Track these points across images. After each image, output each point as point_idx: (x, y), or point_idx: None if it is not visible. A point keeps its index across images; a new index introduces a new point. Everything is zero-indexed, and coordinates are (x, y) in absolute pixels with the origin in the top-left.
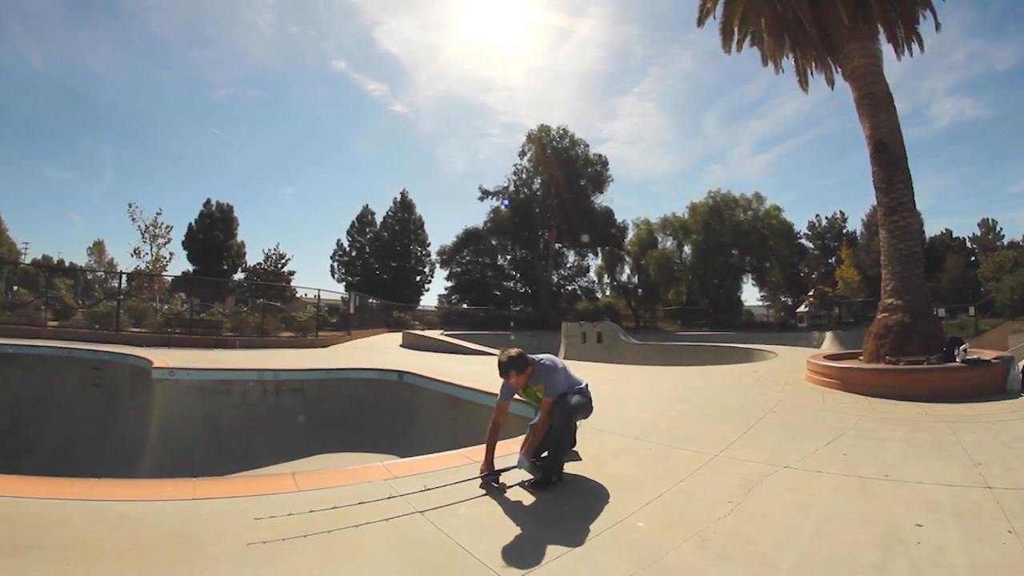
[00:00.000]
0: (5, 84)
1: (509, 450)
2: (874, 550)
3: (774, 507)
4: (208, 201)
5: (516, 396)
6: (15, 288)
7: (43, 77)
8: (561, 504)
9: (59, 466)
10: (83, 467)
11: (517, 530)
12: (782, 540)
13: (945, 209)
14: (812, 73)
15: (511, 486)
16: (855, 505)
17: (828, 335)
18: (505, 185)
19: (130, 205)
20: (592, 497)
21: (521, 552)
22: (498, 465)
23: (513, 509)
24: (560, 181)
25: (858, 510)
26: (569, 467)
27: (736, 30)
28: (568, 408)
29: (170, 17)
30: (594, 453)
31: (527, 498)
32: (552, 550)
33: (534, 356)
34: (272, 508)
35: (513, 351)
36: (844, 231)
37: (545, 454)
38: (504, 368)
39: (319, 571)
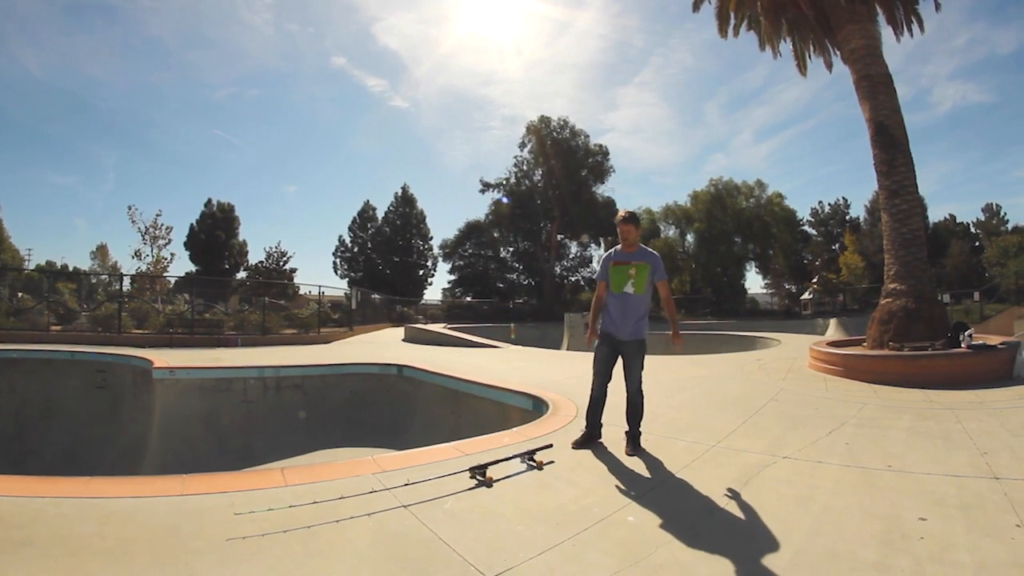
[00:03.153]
0: (4, 91)
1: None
2: (875, 546)
3: (771, 500)
4: (209, 201)
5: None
6: (19, 294)
7: (42, 83)
8: (550, 498)
9: (65, 468)
10: (88, 469)
11: (502, 525)
12: (778, 536)
13: (949, 195)
14: (810, 56)
15: (548, 463)
16: (856, 498)
17: (832, 322)
18: (506, 177)
19: (130, 207)
20: (582, 490)
21: (504, 548)
22: (532, 445)
23: (500, 503)
24: (561, 172)
25: (859, 503)
26: (563, 458)
27: (732, 14)
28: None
29: (168, 20)
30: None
31: (514, 492)
32: (536, 546)
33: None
34: (258, 503)
35: None
36: (847, 217)
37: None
38: (623, 219)
39: (299, 566)
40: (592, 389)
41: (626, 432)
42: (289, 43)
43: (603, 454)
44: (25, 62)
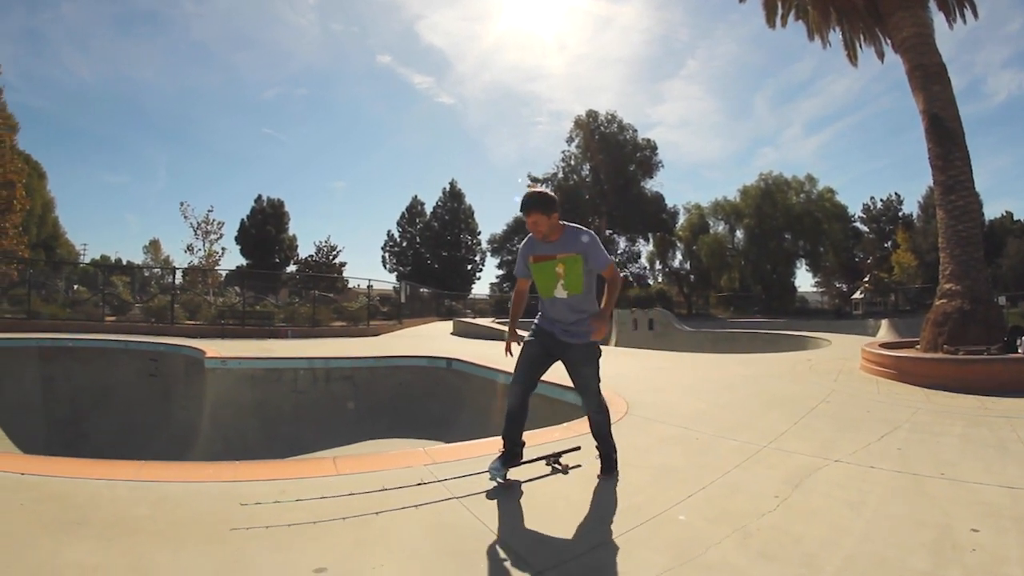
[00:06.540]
0: (60, 98)
1: (562, 435)
2: (926, 555)
3: (822, 504)
4: (259, 197)
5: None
6: (75, 287)
7: (94, 89)
8: (600, 494)
9: (115, 453)
10: (139, 454)
11: (553, 519)
12: (829, 540)
13: (1005, 190)
14: (861, 46)
15: (574, 467)
16: (908, 505)
17: (884, 323)
18: (554, 172)
19: (182, 204)
20: (634, 488)
21: (555, 542)
22: (559, 447)
23: (551, 497)
24: (609, 167)
25: (911, 510)
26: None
27: (780, 4)
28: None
29: (213, 24)
30: (639, 443)
31: (564, 486)
32: (587, 541)
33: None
34: (309, 491)
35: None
36: (900, 214)
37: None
38: (525, 204)
39: (349, 554)
40: (509, 398)
41: (596, 447)
42: (334, 42)
43: (654, 453)
44: (78, 71)
